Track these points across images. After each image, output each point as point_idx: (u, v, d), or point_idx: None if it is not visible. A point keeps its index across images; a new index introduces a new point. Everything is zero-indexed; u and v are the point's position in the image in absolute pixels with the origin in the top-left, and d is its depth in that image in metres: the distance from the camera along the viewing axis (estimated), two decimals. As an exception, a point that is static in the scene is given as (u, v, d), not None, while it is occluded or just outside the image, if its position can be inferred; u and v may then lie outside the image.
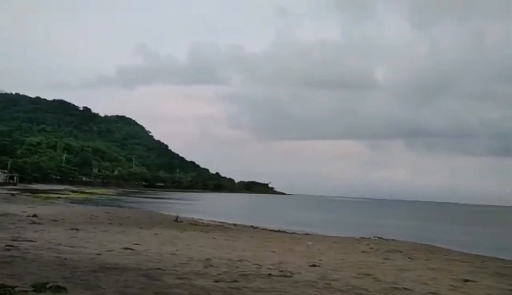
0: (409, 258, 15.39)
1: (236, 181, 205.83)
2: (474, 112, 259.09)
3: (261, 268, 10.49)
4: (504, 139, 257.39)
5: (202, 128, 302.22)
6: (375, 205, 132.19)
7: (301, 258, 13.15)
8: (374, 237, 24.77)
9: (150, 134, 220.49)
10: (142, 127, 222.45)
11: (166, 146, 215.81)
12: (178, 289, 7.40)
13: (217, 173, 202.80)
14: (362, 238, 23.82)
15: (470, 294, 8.88)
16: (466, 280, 10.65)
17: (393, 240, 23.61)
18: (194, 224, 26.36)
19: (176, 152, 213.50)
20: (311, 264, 11.90)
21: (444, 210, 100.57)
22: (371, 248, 18.26)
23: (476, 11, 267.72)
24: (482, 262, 15.71)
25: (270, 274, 9.58)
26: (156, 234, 18.28)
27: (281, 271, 10.14)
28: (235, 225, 29.16)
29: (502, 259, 17.51)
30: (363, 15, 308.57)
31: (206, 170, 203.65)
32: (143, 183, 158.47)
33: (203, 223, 27.87)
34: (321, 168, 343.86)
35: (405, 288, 8.98)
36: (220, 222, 30.16)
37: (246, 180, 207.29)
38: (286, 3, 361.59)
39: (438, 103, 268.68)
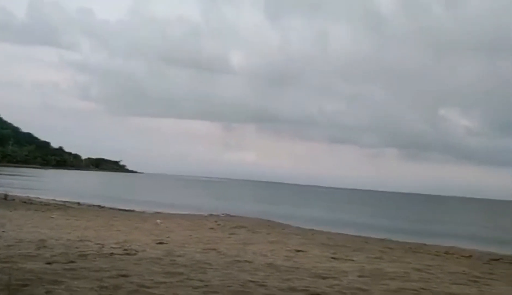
0: (252, 232, 16.56)
1: (83, 157, 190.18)
2: (315, 103, 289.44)
3: (103, 247, 9.99)
4: (338, 129, 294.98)
5: (43, 97, 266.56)
6: (227, 184, 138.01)
7: (148, 236, 12.93)
8: (222, 214, 25.84)
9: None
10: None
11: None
12: (-2, 274, 6.48)
13: (60, 147, 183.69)
14: (211, 215, 24.63)
15: (300, 262, 9.99)
16: (298, 251, 11.99)
17: (240, 216, 25.02)
18: (29, 203, 23.59)
19: (10, 121, 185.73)
20: (158, 241, 11.81)
21: (288, 190, 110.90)
22: (219, 224, 19.05)
23: (323, 12, 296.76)
24: (312, 235, 17.87)
25: (112, 253, 9.18)
26: (-23, 214, 15.77)
27: (125, 250, 9.81)
28: (78, 204, 27.06)
29: (328, 231, 20.22)
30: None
31: (47, 144, 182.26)
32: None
33: (40, 202, 25.10)
34: (176, 147, 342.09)
35: (246, 261, 9.61)
36: (61, 201, 27.57)
37: (94, 157, 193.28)
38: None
39: (286, 92, 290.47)
